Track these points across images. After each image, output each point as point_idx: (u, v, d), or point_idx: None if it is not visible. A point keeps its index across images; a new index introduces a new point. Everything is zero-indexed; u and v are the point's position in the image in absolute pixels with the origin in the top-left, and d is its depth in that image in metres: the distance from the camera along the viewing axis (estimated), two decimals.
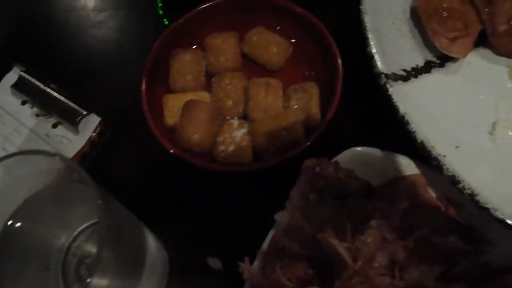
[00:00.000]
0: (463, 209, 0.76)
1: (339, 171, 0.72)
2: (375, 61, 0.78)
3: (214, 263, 0.83)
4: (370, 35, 0.79)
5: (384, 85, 0.76)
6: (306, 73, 0.90)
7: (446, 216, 0.77)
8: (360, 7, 0.83)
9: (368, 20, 0.81)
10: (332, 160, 0.78)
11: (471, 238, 0.76)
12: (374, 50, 0.79)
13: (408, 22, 0.87)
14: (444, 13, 0.85)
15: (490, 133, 0.81)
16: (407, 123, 0.74)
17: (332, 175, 0.71)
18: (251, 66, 0.93)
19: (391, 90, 0.76)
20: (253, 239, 0.74)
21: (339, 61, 0.83)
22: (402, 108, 0.75)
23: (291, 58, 0.92)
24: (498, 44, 0.87)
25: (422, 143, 0.73)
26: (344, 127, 0.87)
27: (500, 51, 0.87)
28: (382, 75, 0.77)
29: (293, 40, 0.92)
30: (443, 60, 0.86)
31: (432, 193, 0.78)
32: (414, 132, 0.73)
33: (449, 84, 0.84)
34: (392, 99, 0.75)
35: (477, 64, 0.87)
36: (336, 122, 0.83)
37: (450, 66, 0.86)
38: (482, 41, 0.88)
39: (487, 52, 0.88)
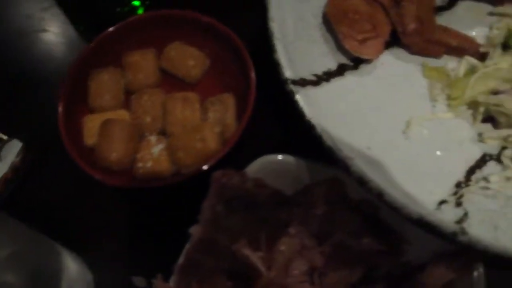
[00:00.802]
0: (380, 210, 0.75)
1: (246, 180, 0.71)
2: (281, 67, 0.78)
3: (139, 282, 0.81)
4: (276, 42, 0.79)
5: (290, 91, 0.76)
6: (224, 84, 0.89)
7: (362, 219, 0.76)
8: (267, 14, 0.82)
9: (274, 27, 0.81)
10: (246, 169, 0.78)
11: (388, 239, 0.75)
12: (280, 57, 0.78)
13: (320, 27, 0.87)
14: (352, 16, 0.85)
15: (404, 132, 0.81)
16: (312, 127, 0.73)
17: (239, 185, 0.71)
18: (171, 81, 0.92)
19: (297, 96, 0.76)
20: (176, 255, 0.74)
21: (252, 72, 0.84)
22: (309, 113, 0.75)
23: (209, 70, 0.92)
24: (410, 43, 0.87)
25: (329, 146, 0.72)
26: (262, 135, 0.87)
27: (412, 50, 0.88)
28: (288, 81, 0.76)
29: (211, 52, 0.92)
30: (357, 62, 0.86)
31: (349, 196, 0.77)
32: (320, 136, 0.73)
33: (363, 86, 0.84)
34: (298, 104, 0.75)
35: (391, 64, 0.87)
36: (252, 131, 0.83)
37: (364, 67, 0.86)
38: (396, 41, 0.88)
39: (400, 52, 0.89)
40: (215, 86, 0.91)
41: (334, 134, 0.75)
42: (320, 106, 0.78)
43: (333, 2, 0.87)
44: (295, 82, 0.78)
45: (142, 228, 0.86)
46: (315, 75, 0.82)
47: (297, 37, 0.84)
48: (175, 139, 0.84)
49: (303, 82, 0.79)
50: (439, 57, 0.88)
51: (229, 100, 0.86)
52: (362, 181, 0.71)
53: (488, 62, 0.85)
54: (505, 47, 0.85)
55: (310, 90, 0.79)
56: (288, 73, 0.78)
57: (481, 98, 0.81)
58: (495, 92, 0.80)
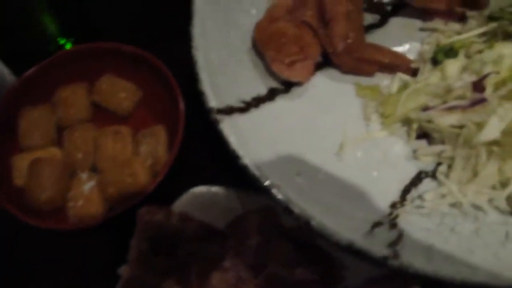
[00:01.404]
0: (317, 237, 0.73)
1: (170, 216, 0.69)
2: (205, 96, 0.76)
3: None
4: (200, 71, 0.78)
5: (215, 120, 0.74)
6: (156, 115, 0.87)
7: (297, 247, 0.74)
8: (191, 43, 0.80)
9: (199, 56, 0.79)
10: (174, 203, 0.75)
11: (324, 266, 0.73)
12: (204, 86, 0.77)
13: (249, 52, 0.86)
14: (279, 39, 0.84)
15: (337, 154, 0.79)
16: (237, 157, 0.71)
17: (163, 222, 0.68)
18: (103, 114, 0.90)
19: (222, 125, 0.74)
20: None
21: (181, 102, 0.82)
22: (234, 142, 0.73)
23: (141, 102, 0.90)
24: (340, 63, 0.86)
25: (253, 176, 0.70)
26: (194, 166, 0.85)
27: (344, 69, 0.87)
28: (213, 110, 0.75)
29: (142, 84, 0.90)
30: (288, 85, 0.85)
31: (284, 225, 0.75)
32: (245, 166, 0.70)
33: (294, 110, 0.83)
34: (223, 134, 0.73)
35: (323, 85, 0.86)
36: (184, 162, 0.81)
37: (295, 90, 0.85)
38: (328, 61, 0.87)
39: (333, 72, 0.87)
40: (147, 117, 0.89)
41: (261, 162, 0.73)
42: (247, 134, 0.76)
43: (260, 26, 0.86)
44: (220, 111, 0.76)
45: (74, 270, 0.83)
46: (244, 101, 0.80)
47: (225, 64, 0.83)
48: (106, 175, 0.82)
49: (229, 110, 0.77)
50: (372, 75, 0.86)
51: (161, 132, 0.84)
52: (288, 210, 0.69)
53: (419, 77, 0.84)
54: (434, 62, 0.84)
55: (237, 118, 0.78)
56: (213, 102, 0.76)
57: (412, 115, 0.80)
58: (426, 108, 0.78)
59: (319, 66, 0.88)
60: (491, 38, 0.82)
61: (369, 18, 0.92)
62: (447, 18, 0.88)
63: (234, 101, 0.79)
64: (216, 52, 0.83)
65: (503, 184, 0.75)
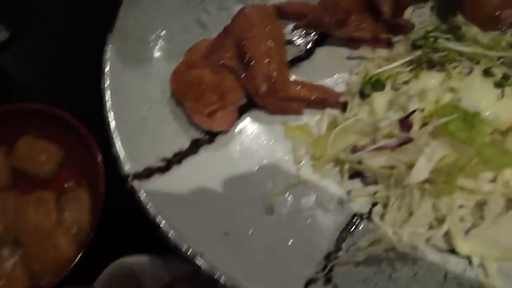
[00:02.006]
0: None
1: None
2: (120, 162, 0.71)
3: None
4: (114, 134, 0.73)
5: (131, 187, 0.69)
6: (79, 176, 0.83)
7: None
8: (103, 102, 0.75)
9: (112, 117, 0.74)
10: (99, 277, 0.71)
11: None
12: (119, 151, 0.72)
13: (169, 103, 0.81)
14: (197, 88, 0.80)
15: (267, 206, 0.75)
16: (157, 227, 0.67)
17: None
18: (25, 179, 0.86)
19: (140, 193, 0.69)
20: None
21: (101, 168, 0.77)
22: (154, 210, 0.69)
23: (63, 163, 0.85)
24: (265, 105, 0.82)
25: (175, 246, 0.66)
26: (120, 233, 0.80)
27: (270, 110, 0.82)
28: (130, 177, 0.70)
29: (63, 144, 0.85)
30: (212, 135, 0.80)
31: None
32: (167, 235, 0.66)
33: (220, 161, 0.79)
34: (141, 202, 0.69)
35: (250, 130, 0.83)
36: (110, 230, 0.76)
37: (220, 139, 0.81)
38: (254, 102, 0.83)
39: (260, 113, 0.83)
40: (70, 178, 0.85)
41: (184, 228, 0.69)
42: (169, 198, 0.73)
43: (177, 75, 0.81)
44: (138, 176, 0.72)
45: None
46: (165, 159, 0.76)
47: (143, 120, 0.79)
48: (29, 249, 0.78)
49: (148, 173, 0.73)
50: (301, 114, 0.82)
51: (84, 195, 0.80)
52: (213, 279, 0.65)
53: (348, 113, 0.80)
54: (362, 95, 0.80)
55: (158, 181, 0.74)
56: (128, 167, 0.73)
57: (342, 156, 0.76)
58: (355, 149, 0.74)
59: (245, 109, 0.82)
60: (416, 66, 0.78)
61: (294, 50, 0.87)
62: (374, 46, 0.84)
63: (154, 161, 0.75)
64: (134, 107, 0.78)
65: (440, 221, 0.72)
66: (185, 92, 0.79)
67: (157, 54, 0.84)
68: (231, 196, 0.75)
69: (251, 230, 0.73)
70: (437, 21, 0.89)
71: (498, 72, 0.75)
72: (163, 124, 0.79)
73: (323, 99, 0.82)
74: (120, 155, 0.72)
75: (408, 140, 0.70)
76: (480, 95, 0.73)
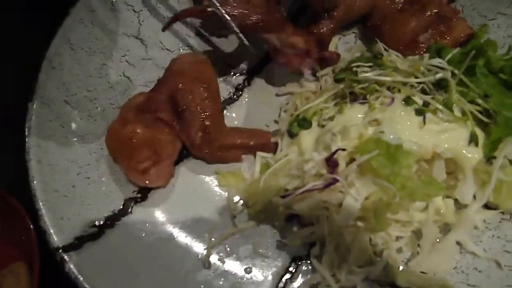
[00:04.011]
0: None
1: None
2: (48, 235, 0.70)
3: None
4: (40, 206, 0.72)
5: (61, 262, 0.68)
6: (15, 250, 0.81)
7: None
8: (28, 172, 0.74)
9: (37, 189, 0.73)
10: None
11: None
12: (46, 224, 0.71)
13: (101, 164, 0.80)
14: (131, 145, 0.79)
15: (204, 261, 0.74)
16: None
17: None
18: None
19: (68, 265, 0.68)
20: None
21: (33, 240, 0.75)
22: (83, 282, 0.67)
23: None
24: (201, 155, 0.82)
25: None
26: None
27: (208, 160, 0.82)
28: (58, 250, 0.69)
29: None
30: (146, 191, 0.79)
31: None
32: None
33: (155, 219, 0.79)
34: (71, 276, 0.67)
35: (186, 182, 0.83)
36: None
37: (155, 195, 0.79)
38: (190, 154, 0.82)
39: (195, 164, 0.82)
40: (7, 252, 0.82)
41: None
42: (101, 265, 0.73)
43: (111, 133, 0.81)
44: (67, 248, 0.72)
45: None
46: (96, 225, 0.75)
47: (71, 187, 0.78)
48: None
49: (78, 243, 0.73)
50: (240, 161, 0.82)
51: (21, 270, 0.79)
52: None
53: (278, 154, 0.80)
54: (291, 134, 0.79)
55: (89, 249, 0.73)
56: (57, 240, 0.72)
57: (274, 201, 0.75)
58: (285, 194, 0.74)
59: (181, 159, 0.81)
60: (340, 101, 0.78)
61: (224, 92, 0.87)
62: (304, 60, 0.82)
63: (84, 229, 0.75)
64: (60, 176, 0.77)
65: (379, 256, 0.71)
66: (119, 149, 0.78)
67: (83, 115, 0.82)
68: (166, 254, 0.74)
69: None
70: (363, 47, 0.88)
71: (419, 99, 0.74)
72: (94, 187, 0.78)
73: (260, 144, 0.82)
74: (47, 228, 0.70)
75: (334, 181, 0.69)
76: (403, 125, 0.73)
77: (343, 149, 0.71)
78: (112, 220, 0.77)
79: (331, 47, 0.89)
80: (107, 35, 0.88)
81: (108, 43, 0.88)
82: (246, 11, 0.78)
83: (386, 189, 0.68)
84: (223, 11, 0.76)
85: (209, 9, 0.76)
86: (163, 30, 0.83)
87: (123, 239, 0.75)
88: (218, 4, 0.76)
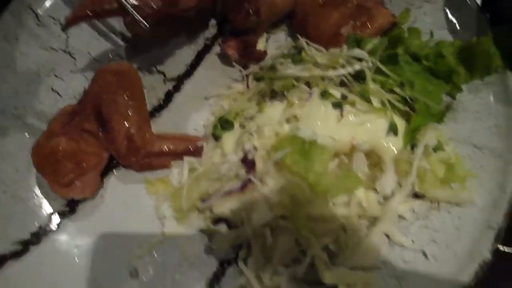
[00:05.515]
0: None
1: None
2: None
3: None
4: None
5: None
6: None
7: None
8: None
9: None
10: None
11: None
12: None
13: (28, 180, 0.79)
14: (55, 159, 0.78)
15: (131, 273, 0.74)
16: None
17: None
18: None
19: None
20: None
21: None
22: None
23: None
24: (130, 164, 0.81)
25: None
26: None
27: (136, 169, 0.81)
28: None
29: None
30: (74, 204, 0.79)
31: None
32: None
33: (82, 234, 0.78)
34: None
35: (116, 193, 0.82)
36: None
37: (83, 207, 0.79)
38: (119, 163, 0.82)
39: (125, 174, 0.82)
40: None
41: None
42: (25, 284, 0.70)
43: (37, 148, 0.80)
44: None
45: None
46: (20, 241, 0.75)
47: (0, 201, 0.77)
48: None
49: (1, 262, 0.71)
50: (169, 167, 0.81)
51: None
52: None
53: (204, 158, 0.79)
54: (216, 137, 0.78)
55: (12, 268, 0.73)
56: None
57: (198, 205, 0.74)
58: (207, 198, 0.73)
59: (111, 170, 0.81)
60: (261, 99, 0.77)
61: (154, 99, 0.86)
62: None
63: (7, 246, 0.74)
64: None
65: (304, 254, 0.70)
66: (44, 164, 0.78)
67: (11, 132, 0.81)
68: (94, 268, 0.73)
69: None
70: (292, 44, 0.87)
71: (336, 92, 0.73)
72: (21, 204, 0.78)
73: (188, 150, 0.81)
74: None
75: (249, 182, 0.68)
76: (320, 120, 0.71)
77: (255, 148, 0.69)
78: (38, 236, 0.76)
79: (260, 46, 0.87)
80: (34, 51, 0.88)
81: (35, 59, 0.88)
82: None
83: (299, 186, 0.66)
84: None
85: None
86: (63, 30, 0.82)
87: (50, 254, 0.75)
88: None
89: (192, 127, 0.85)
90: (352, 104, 0.73)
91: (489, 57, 0.74)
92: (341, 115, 0.72)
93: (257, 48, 0.88)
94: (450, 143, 0.77)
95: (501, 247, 0.74)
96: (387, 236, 0.73)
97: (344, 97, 0.73)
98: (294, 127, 0.71)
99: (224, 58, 0.90)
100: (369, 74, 0.72)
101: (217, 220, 0.77)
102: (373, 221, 0.73)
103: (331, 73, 0.75)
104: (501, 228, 0.69)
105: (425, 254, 0.71)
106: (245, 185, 0.69)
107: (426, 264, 0.70)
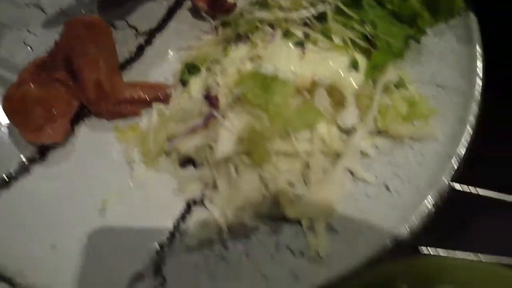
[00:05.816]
0: None
1: None
2: None
3: None
4: None
5: None
6: None
7: None
8: None
9: None
10: None
11: None
12: None
13: (2, 127, 0.81)
14: (24, 104, 0.80)
15: (101, 213, 0.74)
16: None
17: None
18: None
19: None
20: None
21: None
22: None
23: None
24: (99, 111, 0.83)
25: None
26: None
27: (106, 117, 0.83)
28: None
29: None
30: (43, 151, 0.80)
31: None
32: None
33: (51, 178, 0.79)
34: None
35: (86, 140, 0.83)
36: None
37: (53, 155, 0.80)
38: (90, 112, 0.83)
39: (96, 123, 0.83)
40: None
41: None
42: None
43: (7, 97, 0.81)
44: None
45: None
46: None
47: None
48: None
49: None
50: (140, 115, 0.82)
51: None
52: None
53: (172, 104, 0.79)
54: (183, 82, 0.79)
55: None
56: None
57: (165, 147, 0.75)
58: (173, 137, 0.74)
59: (79, 119, 0.82)
60: (226, 44, 0.78)
61: (125, 53, 0.87)
62: None
63: None
64: None
65: (268, 190, 0.71)
66: (14, 111, 0.79)
67: None
68: (64, 212, 0.75)
69: (84, 239, 0.72)
70: None
71: (299, 32, 0.74)
72: None
73: (157, 97, 0.82)
74: None
75: (211, 116, 0.69)
76: (282, 58, 0.72)
77: (218, 84, 0.70)
78: (9, 181, 0.76)
79: None
80: (7, 6, 0.89)
81: (7, 15, 0.90)
82: None
83: (259, 119, 0.67)
84: None
85: None
86: None
87: (20, 198, 0.76)
88: None
89: (162, 77, 0.86)
90: (314, 42, 0.73)
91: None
92: (303, 53, 0.72)
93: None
94: (414, 84, 0.77)
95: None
96: (351, 172, 0.73)
97: (306, 35, 0.73)
98: (256, 65, 0.71)
99: (196, 13, 0.91)
100: (330, 14, 0.73)
101: (185, 162, 0.78)
102: (336, 157, 0.73)
103: (294, 14, 0.76)
104: (461, 159, 0.70)
105: (388, 189, 0.71)
106: (208, 120, 0.70)
107: (390, 198, 0.70)
